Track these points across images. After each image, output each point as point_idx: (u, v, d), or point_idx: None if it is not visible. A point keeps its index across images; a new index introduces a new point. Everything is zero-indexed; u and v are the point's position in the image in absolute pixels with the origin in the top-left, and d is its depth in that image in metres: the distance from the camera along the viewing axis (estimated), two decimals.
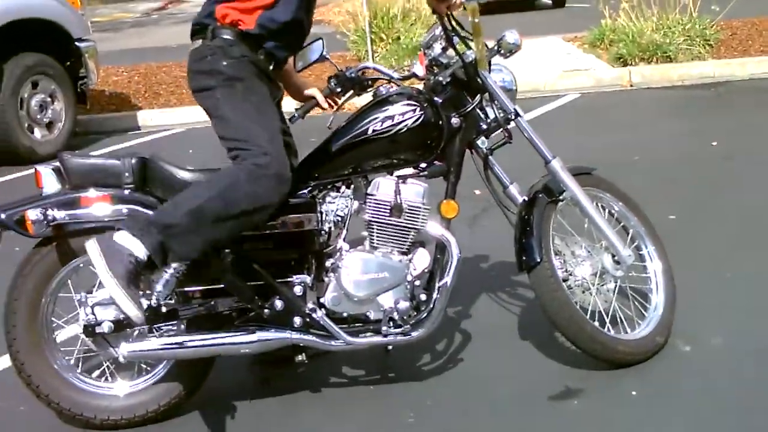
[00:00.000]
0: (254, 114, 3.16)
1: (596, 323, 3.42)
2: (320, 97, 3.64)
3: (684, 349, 3.60)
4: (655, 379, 3.39)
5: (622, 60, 9.76)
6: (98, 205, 3.24)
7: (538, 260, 3.33)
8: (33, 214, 3.18)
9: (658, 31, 9.87)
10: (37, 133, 8.27)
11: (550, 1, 18.59)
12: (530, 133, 3.38)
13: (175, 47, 13.08)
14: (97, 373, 3.48)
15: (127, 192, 3.27)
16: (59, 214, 3.21)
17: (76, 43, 8.46)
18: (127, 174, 3.26)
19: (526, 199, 3.44)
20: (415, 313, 3.34)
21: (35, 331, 3.34)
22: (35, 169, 3.31)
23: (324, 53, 3.52)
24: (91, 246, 3.03)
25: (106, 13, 24.66)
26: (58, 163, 3.32)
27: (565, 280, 3.43)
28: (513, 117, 3.35)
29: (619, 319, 3.54)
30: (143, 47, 15.51)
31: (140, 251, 3.04)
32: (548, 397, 3.33)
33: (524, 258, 3.39)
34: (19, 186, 7.27)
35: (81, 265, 3.34)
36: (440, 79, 3.38)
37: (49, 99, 8.35)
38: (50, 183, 3.30)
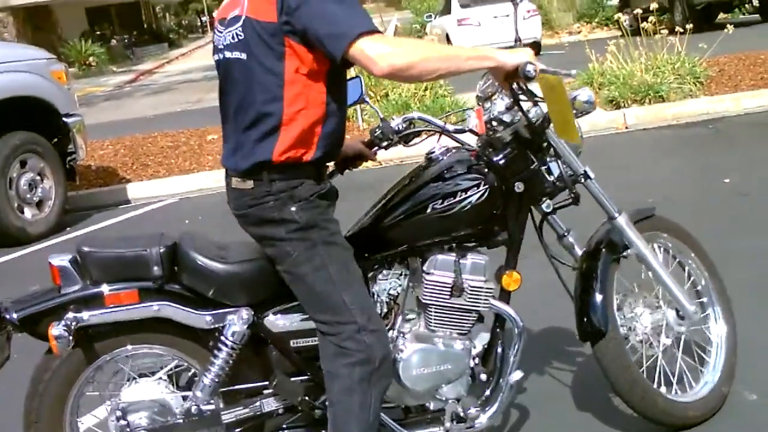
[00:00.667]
0: (342, 280, 2.82)
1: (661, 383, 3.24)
2: (369, 152, 3.28)
3: (750, 398, 3.44)
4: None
5: (614, 103, 9.70)
6: (125, 303, 2.95)
7: (604, 330, 3.12)
8: (57, 330, 2.87)
9: (648, 72, 9.84)
10: (28, 212, 8.03)
11: None
12: (598, 191, 3.14)
13: (152, 117, 12.95)
14: None
15: (155, 285, 2.97)
16: (82, 316, 2.93)
17: (64, 119, 8.27)
18: (156, 267, 2.95)
19: (587, 251, 3.22)
20: (478, 402, 3.09)
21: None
22: (50, 263, 2.98)
23: (363, 94, 3.20)
24: None
25: (78, 87, 24.50)
26: (73, 254, 3.00)
27: (625, 337, 3.23)
28: (582, 179, 3.11)
29: (681, 373, 3.36)
30: (121, 119, 15.35)
31: None
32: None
33: (589, 327, 3.16)
34: (11, 269, 7.07)
35: (103, 364, 3.08)
36: (501, 136, 3.10)
37: (38, 177, 8.13)
38: (68, 278, 2.99)
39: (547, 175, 3.11)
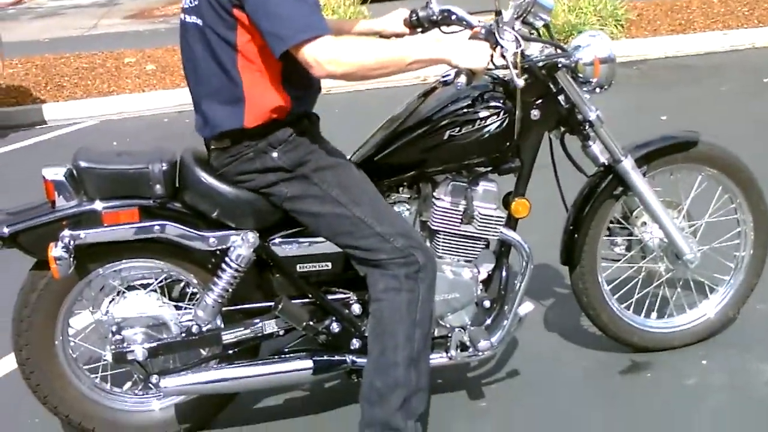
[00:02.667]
0: (349, 200, 2.80)
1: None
2: (406, 33, 3.21)
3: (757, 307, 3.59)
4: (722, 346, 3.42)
5: None
6: (124, 222, 2.86)
7: (578, 262, 3.25)
8: (57, 252, 2.77)
9: (571, 13, 9.92)
10: None
11: None
12: (607, 135, 3.16)
13: (46, 41, 12.38)
14: (128, 386, 3.21)
15: (156, 203, 2.89)
16: (79, 234, 2.82)
17: None
18: (158, 185, 2.86)
19: (589, 184, 3.28)
20: (484, 329, 3.09)
21: (53, 353, 3.04)
22: (44, 177, 2.87)
23: None
24: None
25: None
26: (68, 166, 2.90)
27: (628, 249, 3.36)
28: (589, 127, 3.14)
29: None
30: (12, 41, 14.62)
31: None
32: (619, 372, 3.28)
33: (566, 255, 3.30)
34: None
35: (94, 279, 3.02)
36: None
37: None
38: (63, 193, 2.87)
39: (563, 104, 3.10)
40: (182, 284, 3.13)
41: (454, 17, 3.09)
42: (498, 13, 2.86)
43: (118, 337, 2.97)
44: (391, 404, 2.73)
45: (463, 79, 2.69)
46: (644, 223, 3.34)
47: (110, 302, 3.03)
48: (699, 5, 10.81)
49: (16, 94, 9.33)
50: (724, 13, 10.46)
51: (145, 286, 3.05)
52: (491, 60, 2.77)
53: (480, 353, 3.06)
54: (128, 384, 3.19)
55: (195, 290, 3.08)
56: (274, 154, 2.77)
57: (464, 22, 3.06)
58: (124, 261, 2.99)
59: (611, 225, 3.36)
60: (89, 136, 8.05)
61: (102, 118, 8.69)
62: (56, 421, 3.18)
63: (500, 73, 3.06)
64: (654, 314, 3.47)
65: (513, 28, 2.85)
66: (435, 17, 3.13)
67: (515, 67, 2.78)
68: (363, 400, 2.80)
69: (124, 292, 3.03)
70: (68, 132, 8.38)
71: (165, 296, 3.07)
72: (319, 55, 2.56)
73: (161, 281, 3.06)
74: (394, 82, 8.97)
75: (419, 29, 3.17)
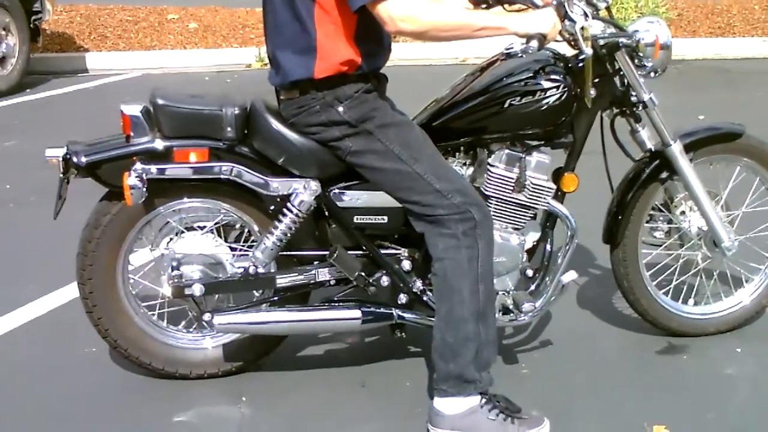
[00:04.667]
0: (410, 156, 2.88)
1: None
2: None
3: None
4: (757, 338, 3.51)
5: None
6: (194, 161, 2.97)
7: (619, 242, 3.35)
8: (132, 180, 2.91)
9: (612, 7, 9.95)
10: None
11: None
12: (658, 118, 3.23)
13: None
14: (182, 324, 3.32)
15: (225, 146, 2.99)
16: (151, 168, 2.94)
17: None
18: (229, 128, 2.97)
19: (638, 165, 3.36)
20: (529, 296, 3.19)
21: (115, 288, 3.15)
22: (122, 111, 2.98)
23: None
24: None
25: None
26: (145, 105, 3.02)
27: (667, 235, 3.44)
28: (642, 108, 3.21)
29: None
30: None
31: (475, 399, 2.86)
32: (656, 352, 3.38)
33: (608, 236, 3.38)
34: None
35: (155, 218, 3.14)
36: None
37: (3, 32, 7.85)
38: (138, 129, 2.99)
39: (618, 85, 3.20)
40: (237, 228, 3.23)
41: None
42: None
43: (177, 272, 3.08)
44: (464, 358, 2.84)
45: (535, 43, 2.78)
46: (683, 212, 3.42)
47: (169, 241, 3.15)
48: (740, 10, 10.85)
49: (60, 41, 9.46)
50: (765, 20, 10.50)
51: (201, 228, 3.16)
52: (560, 30, 2.86)
53: (523, 316, 3.15)
54: (183, 322, 3.29)
55: (250, 234, 3.19)
56: (340, 109, 2.87)
57: (528, 1, 3.07)
58: (185, 200, 3.10)
59: (652, 212, 3.44)
60: (131, 87, 8.17)
61: (144, 71, 8.81)
62: (111, 353, 3.32)
63: (561, 49, 3.15)
64: (691, 301, 3.55)
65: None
66: None
67: (583, 39, 2.87)
68: (436, 355, 2.89)
69: (182, 232, 3.14)
70: (110, 82, 8.51)
71: (221, 238, 3.18)
72: (394, 11, 2.67)
73: (217, 223, 3.17)
74: (433, 60, 9.12)
75: (483, 5, 3.21)
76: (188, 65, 8.99)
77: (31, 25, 8.13)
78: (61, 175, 3.01)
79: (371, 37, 2.87)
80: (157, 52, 9.23)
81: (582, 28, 2.91)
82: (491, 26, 2.78)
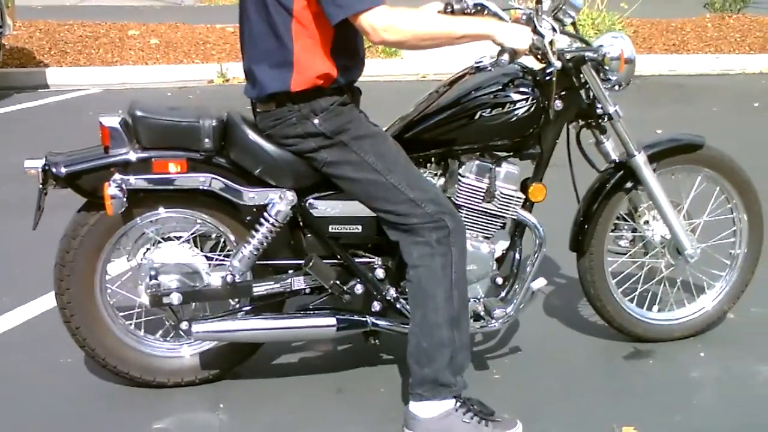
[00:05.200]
0: (384, 167, 2.95)
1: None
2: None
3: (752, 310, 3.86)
4: (719, 342, 3.64)
5: None
6: (173, 171, 3.03)
7: (586, 250, 3.43)
8: (112, 190, 2.96)
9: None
10: None
11: None
12: (623, 129, 3.34)
13: (40, 8, 12.38)
14: (159, 333, 3.36)
15: (203, 157, 3.04)
16: (129, 179, 2.99)
17: None
18: (207, 139, 3.02)
19: (603, 176, 3.45)
20: (500, 302, 3.27)
21: (93, 298, 3.18)
22: (100, 123, 3.02)
23: None
24: None
25: None
26: (122, 116, 3.06)
27: (632, 243, 3.55)
28: (607, 120, 3.32)
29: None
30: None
31: (450, 403, 2.93)
32: (623, 357, 3.48)
33: (575, 244, 3.47)
34: None
35: (132, 228, 3.18)
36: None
37: None
38: (117, 140, 3.03)
39: (584, 98, 3.30)
40: (213, 238, 3.28)
41: (486, 11, 3.22)
42: (539, 2, 3.05)
43: (154, 281, 3.12)
44: (438, 363, 2.90)
45: (506, 57, 2.89)
46: (647, 222, 3.53)
47: (146, 251, 3.19)
48: (693, 28, 11.12)
49: (20, 56, 9.41)
50: (717, 38, 10.77)
51: (178, 238, 3.20)
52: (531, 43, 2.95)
53: (494, 322, 3.24)
54: (160, 331, 3.33)
55: (226, 244, 3.24)
56: (316, 121, 2.93)
57: (497, 17, 3.17)
58: (162, 211, 3.14)
59: (617, 221, 3.54)
60: (93, 103, 8.16)
61: (105, 87, 8.80)
62: (88, 362, 3.35)
63: (529, 63, 3.24)
64: (656, 307, 3.66)
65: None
66: (469, 10, 3.25)
67: (551, 52, 2.98)
68: (411, 360, 2.96)
69: (159, 242, 3.19)
70: (71, 98, 8.48)
71: (197, 248, 3.23)
72: (376, 22, 2.74)
73: (193, 233, 3.21)
74: (396, 76, 9.23)
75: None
76: (150, 81, 9.00)
77: None
78: (41, 186, 3.03)
79: (347, 50, 2.94)
80: (119, 68, 9.22)
81: (550, 42, 3.00)
82: (472, 33, 2.87)
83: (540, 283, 3.27)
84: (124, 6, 14.29)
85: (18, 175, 3.10)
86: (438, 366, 2.90)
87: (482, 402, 3.00)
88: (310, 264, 3.09)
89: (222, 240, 3.26)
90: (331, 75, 2.92)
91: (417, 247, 2.93)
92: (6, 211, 5.09)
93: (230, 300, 3.27)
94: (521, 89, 3.16)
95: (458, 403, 2.94)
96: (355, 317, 3.19)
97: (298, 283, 3.18)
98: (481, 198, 3.18)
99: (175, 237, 3.21)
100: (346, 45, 2.93)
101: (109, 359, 3.21)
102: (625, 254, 3.59)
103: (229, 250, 3.23)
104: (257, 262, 3.14)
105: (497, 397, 3.12)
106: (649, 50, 10.25)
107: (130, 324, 3.29)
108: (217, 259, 3.21)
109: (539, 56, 3.09)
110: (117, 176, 2.98)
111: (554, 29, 3.04)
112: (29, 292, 3.97)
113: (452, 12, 3.24)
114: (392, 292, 3.20)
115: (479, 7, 3.22)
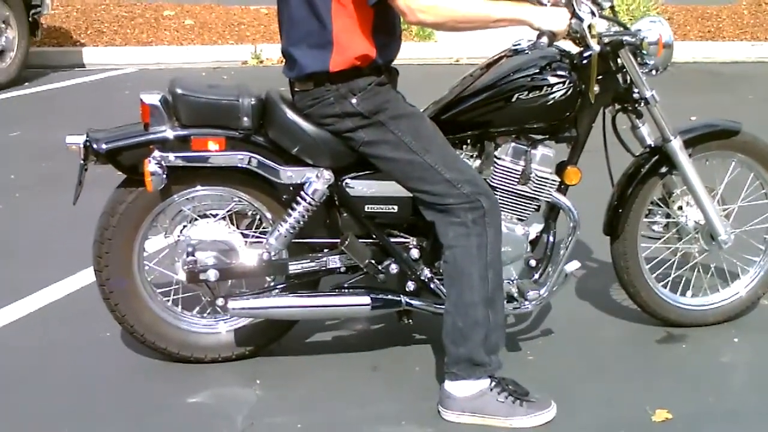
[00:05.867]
0: (421, 147, 2.96)
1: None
2: None
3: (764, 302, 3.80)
4: (753, 328, 3.64)
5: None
6: (211, 149, 3.06)
7: (619, 234, 3.44)
8: (152, 167, 2.99)
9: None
10: None
11: None
12: (659, 114, 3.33)
13: None
14: (196, 309, 3.40)
15: (241, 135, 3.07)
16: (169, 156, 3.03)
17: None
18: (245, 118, 3.05)
19: (638, 160, 3.45)
20: (533, 284, 3.29)
21: (131, 275, 3.22)
22: (141, 100, 3.06)
23: None
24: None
25: None
26: (164, 94, 3.09)
27: (665, 229, 3.54)
28: (644, 104, 3.31)
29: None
30: None
31: (485, 382, 2.97)
32: (656, 341, 3.48)
33: (609, 227, 3.47)
34: None
35: (169, 205, 3.21)
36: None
37: (2, 25, 7.90)
38: (157, 117, 3.06)
39: (621, 82, 3.29)
40: (249, 215, 3.31)
41: None
42: None
43: (191, 258, 3.16)
44: (473, 342, 2.93)
45: (545, 39, 2.91)
46: (680, 207, 3.53)
47: (182, 229, 3.23)
48: (729, 15, 11.01)
49: (57, 35, 9.51)
50: (753, 25, 10.66)
51: (214, 216, 3.24)
52: (569, 26, 2.96)
53: (528, 304, 3.26)
54: (197, 308, 3.37)
55: (261, 221, 3.27)
56: (354, 100, 2.95)
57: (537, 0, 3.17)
58: (199, 188, 3.18)
59: (650, 206, 3.54)
60: (128, 82, 8.26)
61: (140, 67, 8.88)
62: (126, 336, 3.39)
63: (566, 46, 3.25)
64: (689, 293, 3.66)
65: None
66: None
67: (590, 36, 2.99)
68: (447, 339, 2.99)
69: (195, 219, 3.23)
70: (107, 77, 8.58)
71: (233, 225, 3.27)
72: (413, 2, 2.77)
73: (229, 211, 3.25)
74: (428, 59, 9.23)
75: None
76: (185, 61, 9.07)
77: (30, 19, 8.18)
78: (82, 162, 3.08)
79: (385, 29, 2.97)
80: (154, 48, 9.30)
81: (589, 26, 3.01)
82: (509, 18, 2.89)
83: (573, 266, 3.29)
84: None
85: (58, 151, 3.14)
86: (473, 345, 2.94)
87: (516, 382, 3.02)
88: (346, 243, 3.12)
89: (258, 217, 3.29)
90: (370, 55, 2.94)
91: (453, 227, 2.95)
92: (46, 187, 5.17)
93: (266, 277, 3.30)
94: (559, 72, 3.16)
95: (493, 383, 2.97)
96: (389, 296, 3.22)
97: (333, 261, 3.22)
98: (517, 180, 3.19)
99: (211, 214, 3.25)
100: (385, 24, 2.95)
101: (148, 335, 3.26)
102: (659, 239, 3.59)
103: (264, 228, 3.26)
104: (293, 240, 3.17)
105: (531, 378, 3.13)
106: (684, 37, 10.17)
107: (168, 300, 3.33)
108: (253, 237, 3.25)
109: (577, 40, 3.10)
110: (157, 153, 3.01)
111: (593, 13, 3.05)
112: (71, 266, 4.04)
113: None
114: (426, 272, 3.22)
115: None
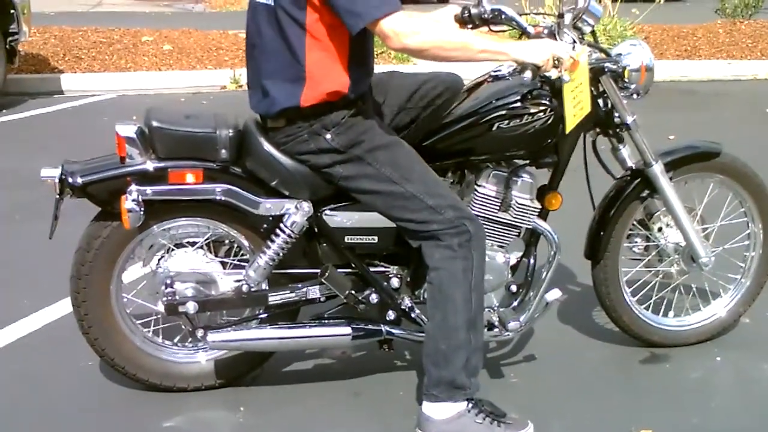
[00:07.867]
0: (400, 176, 2.95)
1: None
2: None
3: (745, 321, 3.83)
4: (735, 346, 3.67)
5: None
6: (189, 182, 3.02)
7: (601, 258, 3.44)
8: (129, 204, 2.95)
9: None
10: None
11: None
12: (641, 139, 3.34)
13: (52, 15, 12.43)
14: (176, 339, 3.38)
15: (219, 167, 3.05)
16: (146, 190, 2.99)
17: None
18: (223, 150, 3.02)
19: (619, 184, 3.46)
20: (514, 313, 3.28)
21: (109, 309, 3.19)
22: (117, 132, 3.02)
23: None
24: None
25: None
26: (138, 125, 3.06)
27: (646, 249, 3.55)
28: (625, 130, 3.32)
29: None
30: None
31: (463, 405, 2.96)
32: (639, 361, 3.50)
33: (590, 251, 3.48)
34: None
35: (146, 237, 3.18)
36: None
37: None
38: (133, 150, 3.02)
39: (602, 107, 3.30)
40: (226, 243, 3.29)
41: (504, 17, 3.21)
42: (560, 16, 3.06)
43: (170, 290, 3.13)
44: (455, 365, 2.93)
45: (528, 74, 2.88)
46: (660, 229, 3.53)
47: (160, 258, 3.21)
48: (705, 33, 11.13)
49: (35, 62, 9.44)
50: (729, 44, 10.77)
51: (191, 245, 3.22)
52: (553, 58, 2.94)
53: (508, 332, 3.24)
54: (177, 337, 3.35)
55: (239, 248, 3.25)
56: (328, 136, 2.93)
57: (514, 22, 3.19)
58: (177, 220, 3.16)
59: (630, 229, 3.54)
60: (107, 108, 8.19)
61: (119, 93, 8.84)
62: (107, 366, 3.34)
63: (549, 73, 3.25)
64: (671, 313, 3.68)
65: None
66: (486, 15, 3.24)
67: (569, 66, 2.96)
68: (427, 361, 2.98)
69: (172, 249, 3.21)
70: (86, 103, 8.51)
71: (212, 254, 3.24)
72: (397, 27, 2.73)
73: (207, 239, 3.22)
74: None
75: (469, 26, 3.29)
76: (164, 87, 9.03)
77: (7, 46, 8.10)
78: (57, 196, 3.04)
79: (359, 62, 2.94)
80: (132, 74, 9.26)
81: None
82: (491, 50, 2.86)
83: (555, 294, 3.28)
84: (136, 12, 14.39)
85: (35, 180, 3.11)
86: (455, 368, 2.93)
87: (493, 403, 3.02)
88: (326, 274, 3.10)
89: (236, 245, 3.27)
90: (342, 89, 2.91)
91: (438, 249, 2.94)
92: (23, 216, 5.13)
93: (246, 308, 3.28)
94: (539, 100, 3.14)
95: (470, 405, 2.97)
96: (370, 326, 3.21)
97: (314, 292, 3.20)
98: (497, 207, 3.18)
99: (189, 243, 3.23)
100: (360, 57, 2.93)
101: (129, 367, 3.23)
102: (640, 262, 3.59)
103: (243, 255, 3.24)
104: (274, 272, 3.15)
105: (515, 401, 3.14)
106: (661, 56, 10.24)
107: (148, 331, 3.31)
108: (231, 264, 3.23)
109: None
110: (133, 188, 2.97)
111: (575, 41, 3.05)
112: (49, 296, 4.00)
113: (469, 15, 3.24)
114: (407, 301, 3.21)
115: (496, 12, 3.21)
